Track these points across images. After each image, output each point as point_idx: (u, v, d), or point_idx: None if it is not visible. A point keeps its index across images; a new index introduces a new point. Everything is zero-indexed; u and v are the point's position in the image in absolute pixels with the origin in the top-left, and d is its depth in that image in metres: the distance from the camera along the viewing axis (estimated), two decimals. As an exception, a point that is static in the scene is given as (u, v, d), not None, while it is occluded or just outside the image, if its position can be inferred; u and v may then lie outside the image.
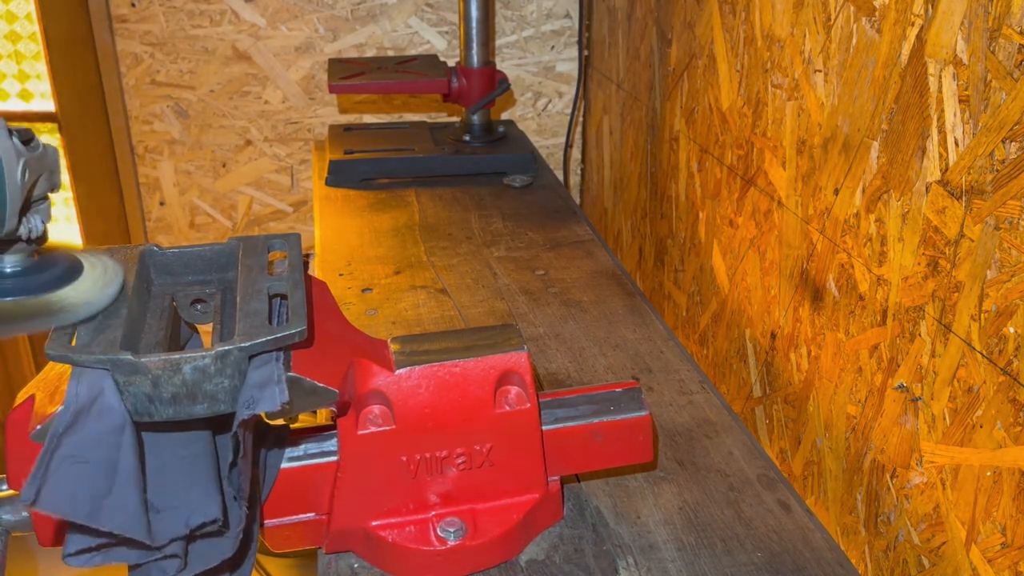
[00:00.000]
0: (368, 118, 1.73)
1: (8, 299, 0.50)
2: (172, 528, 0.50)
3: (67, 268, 0.52)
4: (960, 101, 0.63)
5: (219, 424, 0.54)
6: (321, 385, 0.53)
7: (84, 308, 0.50)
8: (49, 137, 0.50)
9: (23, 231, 0.48)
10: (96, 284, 0.52)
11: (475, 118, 1.45)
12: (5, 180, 0.44)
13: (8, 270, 0.50)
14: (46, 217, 0.50)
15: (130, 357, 0.48)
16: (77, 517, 0.47)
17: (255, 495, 0.58)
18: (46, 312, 0.49)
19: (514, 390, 0.62)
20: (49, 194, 0.50)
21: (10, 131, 0.45)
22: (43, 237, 0.50)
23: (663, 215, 1.31)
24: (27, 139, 0.47)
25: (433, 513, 0.62)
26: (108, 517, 0.48)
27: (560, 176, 1.79)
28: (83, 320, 0.50)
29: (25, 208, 0.48)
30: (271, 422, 0.59)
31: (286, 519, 0.61)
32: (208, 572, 0.54)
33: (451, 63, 1.51)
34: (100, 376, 0.48)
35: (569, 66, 1.71)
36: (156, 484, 0.51)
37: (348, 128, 1.52)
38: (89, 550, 0.49)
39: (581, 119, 1.77)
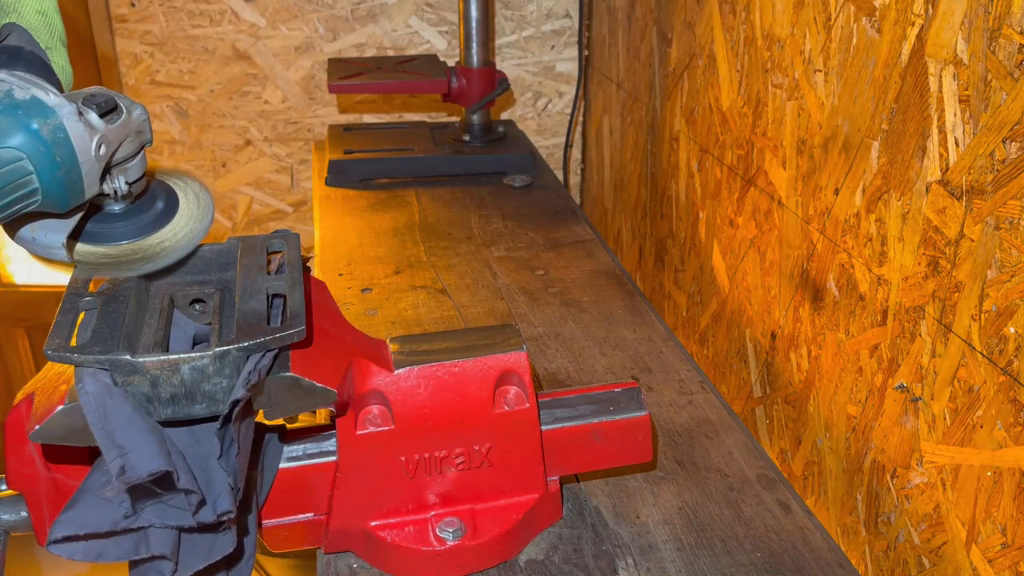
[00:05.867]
0: (368, 118, 1.73)
1: (120, 244, 0.54)
2: (204, 513, 0.50)
3: (166, 203, 0.56)
4: (960, 101, 0.63)
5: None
6: (320, 385, 0.53)
7: (185, 246, 0.55)
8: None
9: (108, 191, 0.52)
10: (193, 215, 0.57)
11: (475, 118, 1.45)
12: (79, 161, 0.47)
13: (115, 210, 0.54)
14: (134, 175, 0.53)
15: (128, 357, 0.48)
16: (172, 467, 0.48)
17: (253, 495, 0.58)
18: (152, 254, 0.54)
19: (513, 390, 0.62)
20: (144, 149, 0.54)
21: (82, 110, 0.48)
22: (131, 193, 0.54)
23: (663, 215, 1.31)
24: (107, 110, 0.49)
25: (432, 513, 0.62)
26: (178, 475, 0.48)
27: (560, 176, 1.79)
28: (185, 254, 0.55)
29: (106, 173, 0.51)
30: (270, 422, 0.59)
31: (285, 519, 0.61)
32: (205, 571, 0.54)
33: (451, 63, 1.51)
34: (96, 379, 0.48)
35: (569, 66, 1.71)
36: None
37: (348, 128, 1.52)
38: (76, 538, 0.49)
39: (581, 119, 1.77)
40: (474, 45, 1.39)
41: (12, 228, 0.51)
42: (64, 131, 0.46)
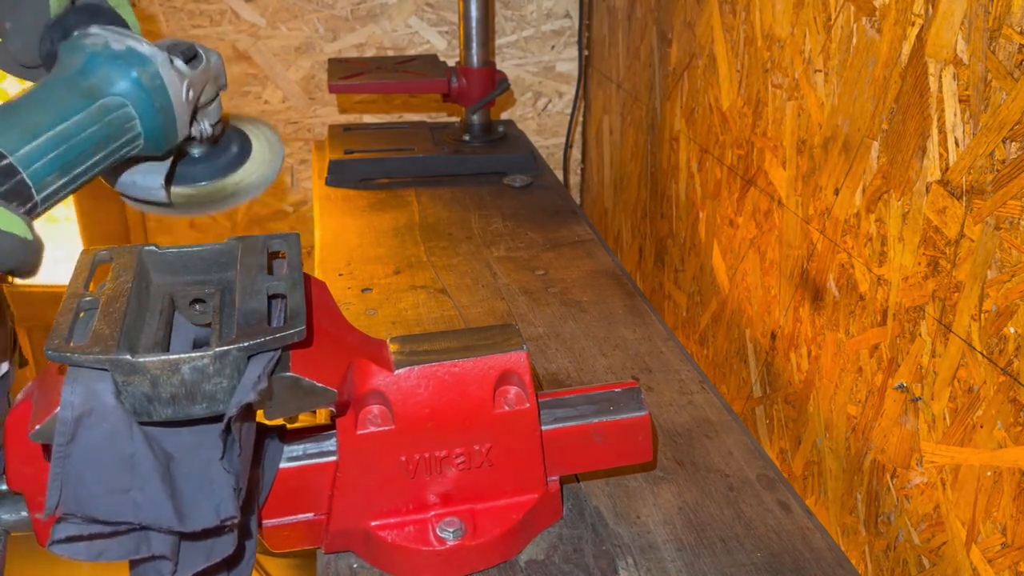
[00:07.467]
0: (368, 118, 1.73)
1: (199, 185, 0.59)
2: (204, 517, 0.50)
3: (240, 147, 0.62)
4: (960, 101, 0.63)
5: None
6: (320, 385, 0.53)
7: (259, 186, 0.61)
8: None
9: (195, 133, 0.56)
10: (265, 158, 0.62)
11: (475, 118, 1.45)
12: (173, 105, 0.51)
13: (196, 154, 0.60)
14: (215, 117, 0.58)
15: (128, 357, 0.47)
16: (103, 514, 0.47)
17: (254, 495, 0.58)
18: (231, 193, 0.60)
19: (513, 390, 0.62)
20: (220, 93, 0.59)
21: (171, 57, 0.52)
22: (213, 135, 0.58)
23: (663, 215, 1.31)
24: (190, 57, 0.53)
25: (432, 513, 0.62)
26: (135, 510, 0.48)
27: (560, 176, 1.79)
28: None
29: (193, 116, 0.56)
30: (270, 422, 0.59)
31: (285, 519, 0.61)
32: (206, 571, 0.54)
33: (451, 63, 1.51)
34: (95, 379, 0.48)
35: (569, 66, 1.71)
36: (182, 475, 0.51)
37: (348, 128, 1.52)
38: (79, 538, 0.49)
39: (581, 119, 1.77)
40: (474, 45, 1.39)
41: (114, 175, 0.55)
42: (160, 78, 0.50)
